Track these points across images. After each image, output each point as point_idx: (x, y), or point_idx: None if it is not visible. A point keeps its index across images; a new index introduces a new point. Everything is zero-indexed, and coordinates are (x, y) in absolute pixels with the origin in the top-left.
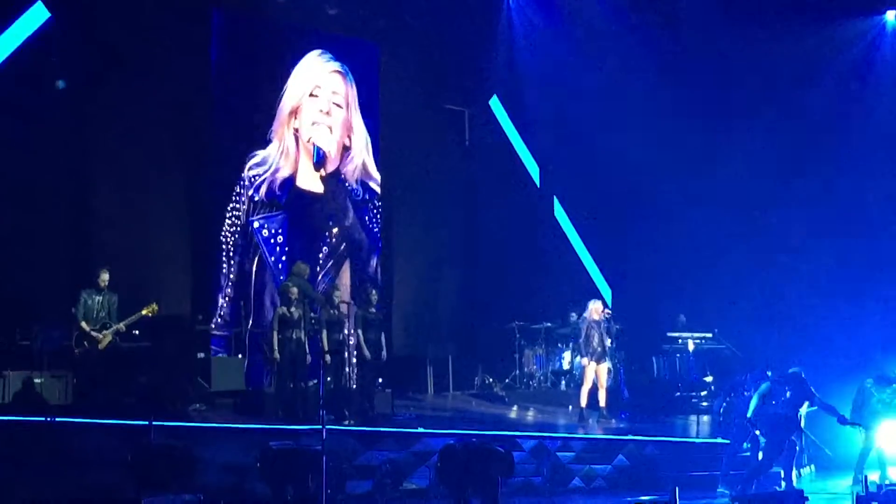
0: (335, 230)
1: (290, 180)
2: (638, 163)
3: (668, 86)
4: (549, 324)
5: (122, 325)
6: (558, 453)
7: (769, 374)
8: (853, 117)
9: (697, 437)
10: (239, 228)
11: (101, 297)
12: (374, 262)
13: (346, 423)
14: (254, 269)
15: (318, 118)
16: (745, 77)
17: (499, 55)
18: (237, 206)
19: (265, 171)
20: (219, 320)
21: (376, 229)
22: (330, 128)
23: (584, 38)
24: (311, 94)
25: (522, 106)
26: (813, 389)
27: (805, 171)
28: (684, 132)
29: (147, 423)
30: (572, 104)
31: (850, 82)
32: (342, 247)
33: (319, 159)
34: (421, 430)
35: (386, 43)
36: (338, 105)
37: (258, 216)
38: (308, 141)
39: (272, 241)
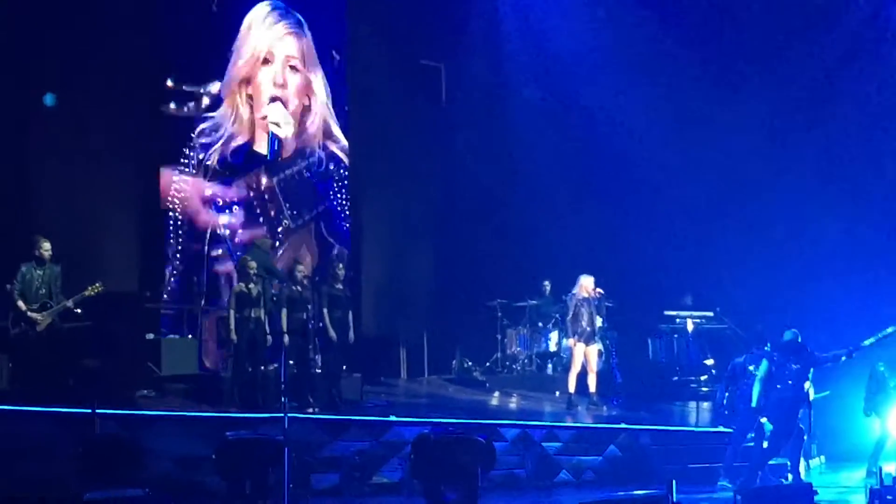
0: (296, 199)
1: (245, 146)
2: (631, 127)
3: (665, 46)
4: (534, 301)
5: (63, 305)
6: (544, 444)
7: (767, 348)
8: (859, 81)
9: (697, 426)
10: (188, 196)
11: (41, 271)
12: (339, 234)
13: (311, 410)
14: (206, 241)
15: (274, 92)
16: (748, 36)
17: (479, 4)
18: (185, 170)
19: (218, 138)
20: (166, 297)
21: (342, 198)
22: (286, 101)
23: None
24: (263, 61)
25: (504, 62)
26: (813, 352)
27: (813, 136)
28: (684, 94)
29: (90, 410)
30: (560, 61)
31: (859, 41)
32: (304, 217)
33: (274, 150)
34: (393, 418)
35: None
36: (293, 68)
37: (211, 183)
38: (264, 119)
39: (227, 210)
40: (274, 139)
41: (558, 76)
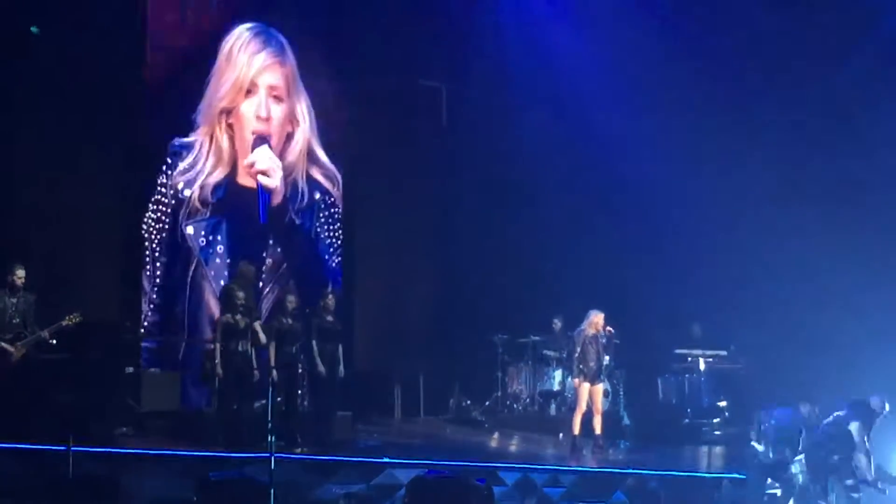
0: (280, 234)
1: (226, 179)
2: (640, 152)
3: (678, 67)
4: (537, 337)
5: (45, 334)
6: (546, 488)
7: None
8: (880, 110)
9: (709, 471)
10: (166, 226)
11: (15, 300)
12: (329, 269)
13: (299, 450)
14: (189, 275)
15: (258, 126)
16: (765, 58)
17: (482, 21)
18: (162, 199)
19: (196, 170)
20: (143, 331)
21: (332, 228)
22: (270, 138)
23: (580, 5)
24: (246, 92)
25: (508, 82)
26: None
27: (832, 167)
28: (697, 119)
29: (65, 448)
30: (569, 80)
31: (879, 70)
32: (287, 257)
33: (265, 208)
34: (386, 459)
35: (350, 6)
36: (277, 98)
37: (192, 221)
38: (251, 167)
39: (211, 250)
40: (263, 195)
41: (565, 97)
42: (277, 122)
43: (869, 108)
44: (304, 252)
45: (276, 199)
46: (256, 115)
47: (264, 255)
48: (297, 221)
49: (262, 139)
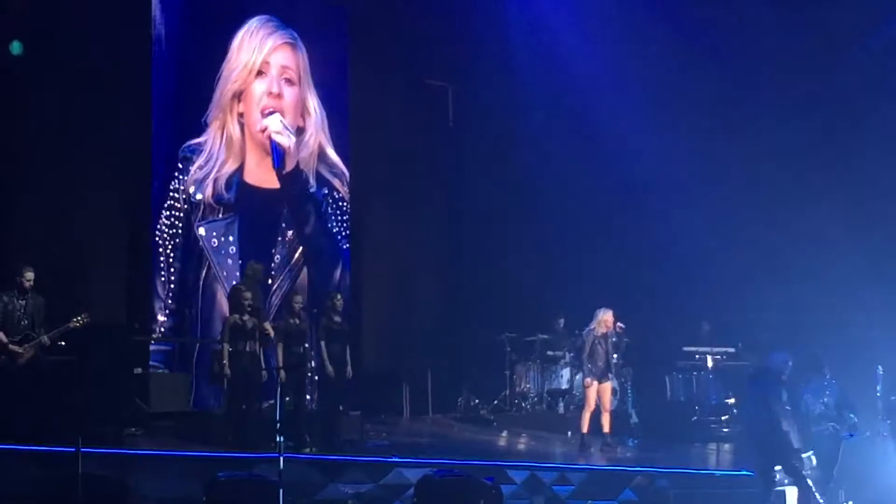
0: (290, 232)
1: (236, 175)
2: (647, 153)
3: (685, 67)
4: (545, 335)
5: (46, 339)
6: (555, 487)
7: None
8: (886, 107)
9: (717, 469)
10: (180, 231)
11: (24, 301)
12: (338, 264)
13: (307, 450)
14: (202, 278)
15: (269, 103)
16: (772, 56)
17: (488, 20)
18: (175, 203)
19: (207, 167)
20: (158, 333)
21: (341, 225)
22: (282, 112)
23: (587, 4)
24: (257, 73)
25: (515, 81)
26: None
27: (839, 165)
28: (704, 119)
29: (74, 449)
30: (575, 80)
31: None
32: (299, 251)
33: (280, 159)
34: (395, 458)
35: (357, 7)
36: (289, 81)
37: (204, 222)
38: (263, 132)
39: (223, 251)
40: (277, 148)
41: (572, 98)
42: (290, 103)
43: (879, 107)
44: (313, 250)
45: (289, 164)
46: (268, 92)
47: (274, 252)
48: (307, 220)
49: (273, 111)
